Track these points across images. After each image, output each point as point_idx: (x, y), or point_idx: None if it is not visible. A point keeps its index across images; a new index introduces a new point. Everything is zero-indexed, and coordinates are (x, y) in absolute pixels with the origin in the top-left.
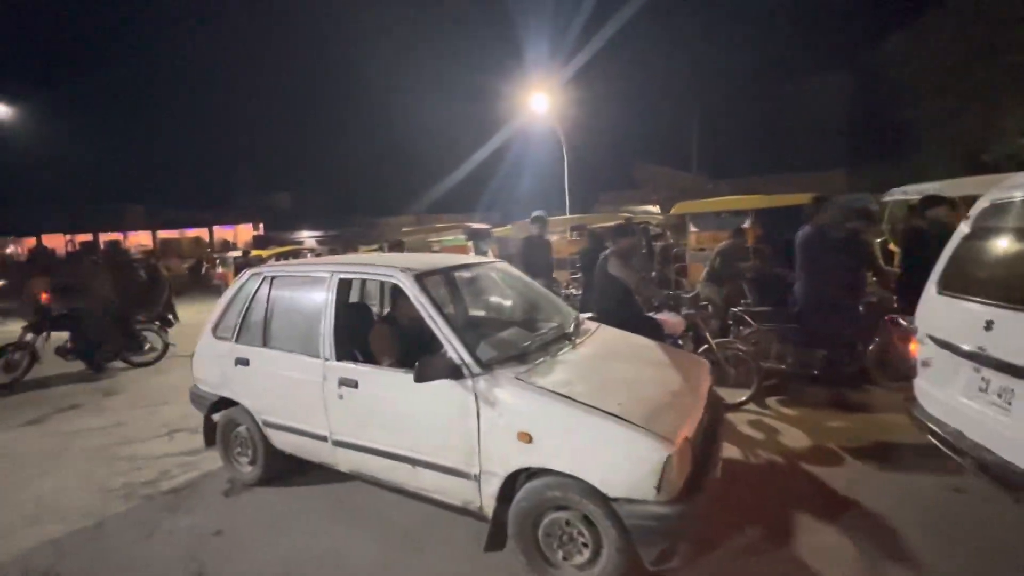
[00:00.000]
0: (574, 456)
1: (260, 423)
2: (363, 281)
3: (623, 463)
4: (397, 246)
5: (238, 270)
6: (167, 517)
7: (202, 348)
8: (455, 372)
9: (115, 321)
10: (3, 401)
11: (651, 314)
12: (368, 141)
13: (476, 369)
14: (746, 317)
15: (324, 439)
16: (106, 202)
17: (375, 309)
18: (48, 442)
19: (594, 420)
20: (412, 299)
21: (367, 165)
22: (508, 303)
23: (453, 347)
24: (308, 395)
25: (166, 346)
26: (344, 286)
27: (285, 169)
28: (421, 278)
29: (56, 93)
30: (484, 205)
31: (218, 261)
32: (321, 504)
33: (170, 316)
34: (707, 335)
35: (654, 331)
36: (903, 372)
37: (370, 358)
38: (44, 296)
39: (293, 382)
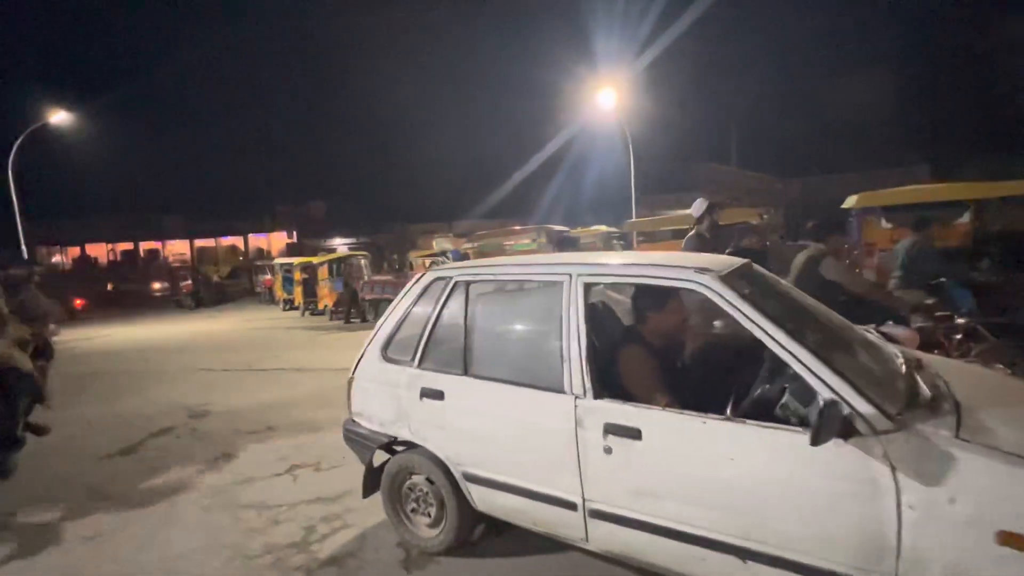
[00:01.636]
0: None
1: (458, 475)
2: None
3: None
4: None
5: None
6: None
7: (366, 373)
8: (846, 427)
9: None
10: (85, 424)
11: (882, 328)
12: (403, 149)
13: (883, 423)
14: (980, 329)
15: (571, 506)
16: (146, 212)
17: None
18: (152, 481)
19: None
20: (731, 310)
21: (401, 173)
22: None
23: (828, 385)
24: (546, 444)
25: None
26: (591, 295)
27: (320, 178)
28: (731, 280)
29: (98, 106)
30: (541, 211)
31: (258, 267)
32: None
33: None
34: (954, 353)
35: None
36: None
37: (621, 393)
38: None
39: (519, 425)
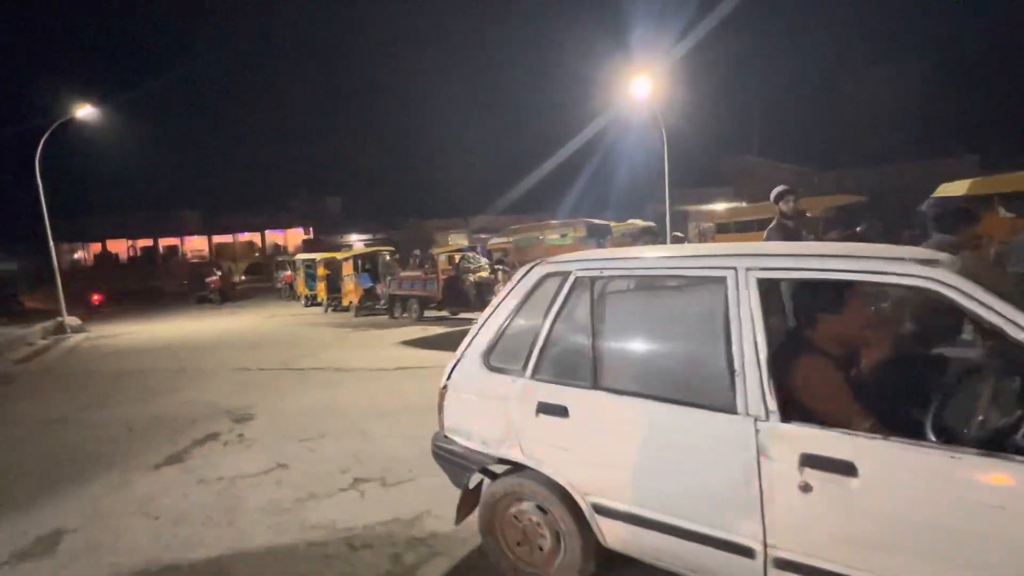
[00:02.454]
0: None
1: (585, 507)
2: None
3: None
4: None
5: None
6: None
7: (464, 383)
8: None
9: None
10: (125, 428)
11: None
12: (419, 144)
13: None
14: None
15: (747, 552)
16: (166, 209)
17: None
18: (206, 495)
19: None
20: (984, 312)
21: (418, 168)
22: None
23: None
24: (711, 476)
25: None
26: (768, 294)
27: (336, 174)
28: (964, 273)
29: (119, 105)
30: (558, 206)
31: (279, 263)
32: None
33: None
34: None
35: None
36: None
37: (811, 415)
38: None
39: (672, 451)
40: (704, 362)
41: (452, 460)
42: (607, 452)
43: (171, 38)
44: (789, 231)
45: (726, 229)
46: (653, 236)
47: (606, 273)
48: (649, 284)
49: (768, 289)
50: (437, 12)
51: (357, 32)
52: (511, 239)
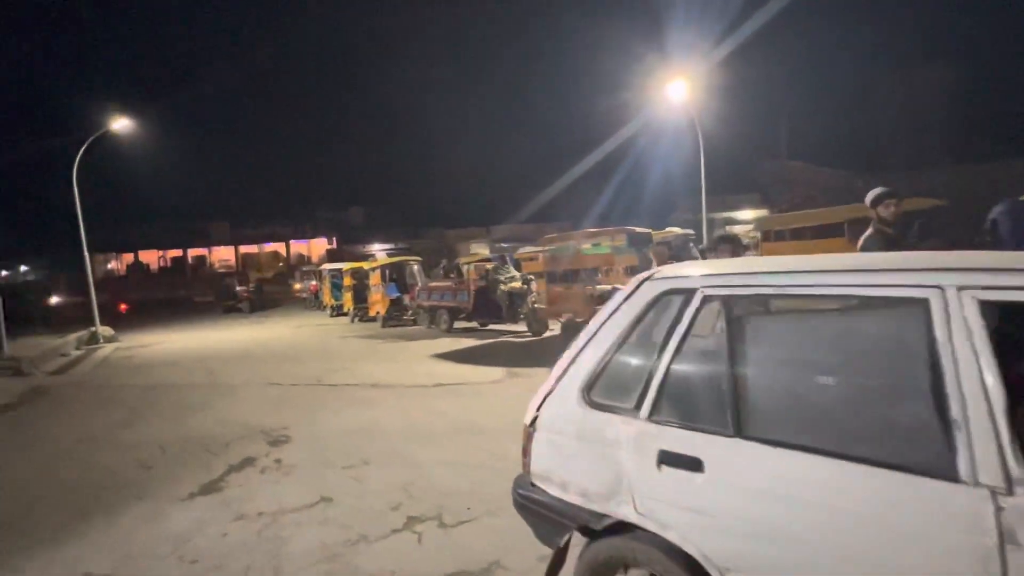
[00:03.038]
0: None
1: None
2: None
3: None
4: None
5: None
6: None
7: (557, 420)
8: None
9: None
10: (158, 450)
11: None
12: (442, 154)
13: None
14: None
15: None
16: (195, 220)
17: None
18: (246, 533)
19: None
20: None
21: (440, 178)
22: None
23: None
24: (917, 561)
25: None
26: (985, 318)
27: (359, 184)
28: None
29: (149, 118)
30: (580, 215)
31: (304, 273)
32: None
33: None
34: None
35: None
36: None
37: None
38: None
39: (856, 523)
40: (899, 408)
41: (541, 513)
42: (759, 520)
43: (201, 54)
44: (891, 240)
45: (780, 236)
46: (734, 244)
47: (747, 292)
48: (798, 306)
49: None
50: (459, 23)
51: (381, 44)
52: (545, 248)
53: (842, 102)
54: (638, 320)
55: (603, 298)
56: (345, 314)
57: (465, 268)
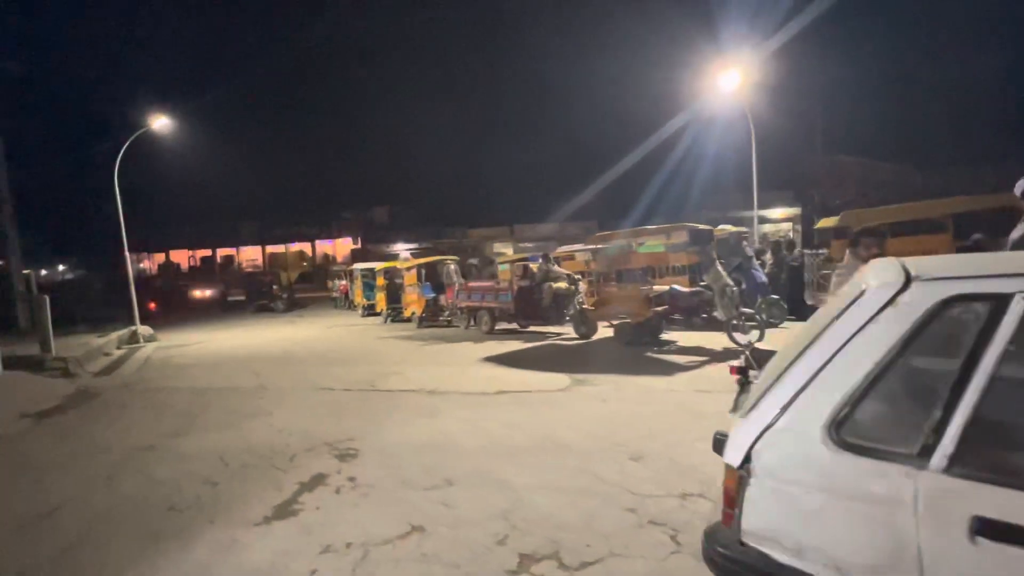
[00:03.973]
0: None
1: None
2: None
3: None
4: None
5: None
6: None
7: (789, 466)
8: None
9: None
10: (219, 463)
11: None
12: (466, 152)
13: None
14: None
15: None
16: (223, 220)
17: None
18: (339, 570)
19: None
20: None
21: (464, 177)
22: None
23: None
24: None
25: None
26: None
27: (384, 183)
28: None
29: (179, 118)
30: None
31: (334, 272)
32: None
33: None
34: None
35: None
36: None
37: None
38: None
39: None
40: None
41: None
42: None
43: (227, 57)
44: None
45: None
46: (879, 237)
47: None
48: None
49: None
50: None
51: (405, 41)
52: (595, 247)
53: (890, 95)
54: (914, 334)
55: (661, 300)
56: (377, 314)
57: (505, 267)
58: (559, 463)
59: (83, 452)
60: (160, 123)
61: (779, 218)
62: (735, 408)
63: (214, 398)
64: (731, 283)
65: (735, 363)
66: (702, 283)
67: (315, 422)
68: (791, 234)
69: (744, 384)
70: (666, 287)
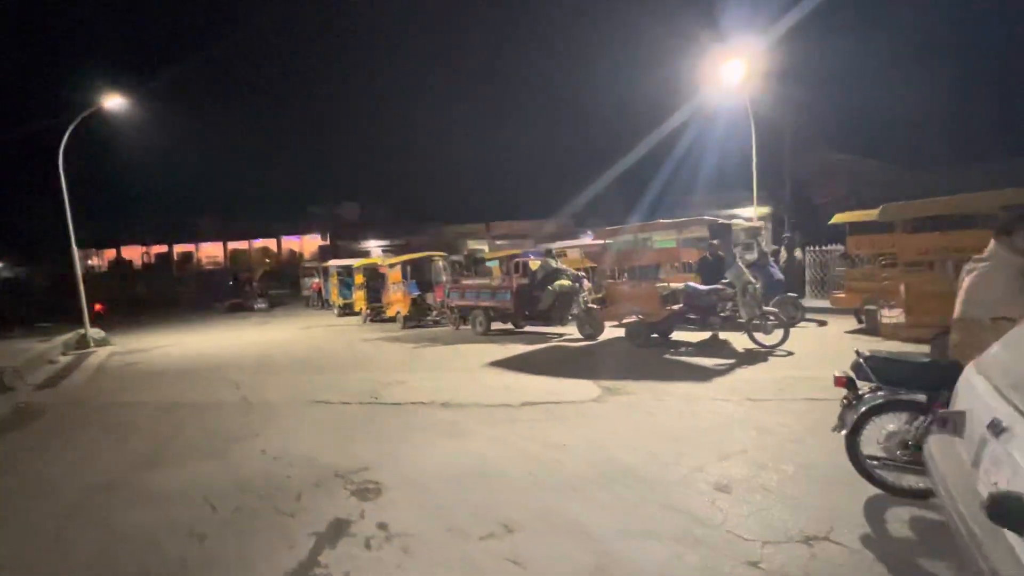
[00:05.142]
0: None
1: None
2: None
3: None
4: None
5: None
6: None
7: None
8: None
9: None
10: (205, 506)
11: None
12: (437, 149)
13: None
14: None
15: None
16: (181, 214)
17: None
18: None
19: None
20: None
21: (436, 173)
22: None
23: None
24: None
25: None
26: None
27: (353, 179)
28: None
29: (132, 108)
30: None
31: (306, 270)
32: None
33: None
34: None
35: None
36: None
37: None
38: None
39: None
40: None
41: None
42: None
43: (187, 39)
44: None
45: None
46: None
47: None
48: None
49: None
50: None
51: (373, 33)
52: (603, 242)
53: (879, 93)
54: None
55: (675, 297)
56: (355, 314)
57: (494, 263)
58: (635, 497)
59: (21, 494)
60: (112, 103)
61: (752, 216)
62: (841, 426)
63: (187, 416)
64: (753, 280)
65: (839, 374)
66: (724, 280)
67: (317, 446)
68: (763, 232)
69: (854, 401)
70: (681, 284)
